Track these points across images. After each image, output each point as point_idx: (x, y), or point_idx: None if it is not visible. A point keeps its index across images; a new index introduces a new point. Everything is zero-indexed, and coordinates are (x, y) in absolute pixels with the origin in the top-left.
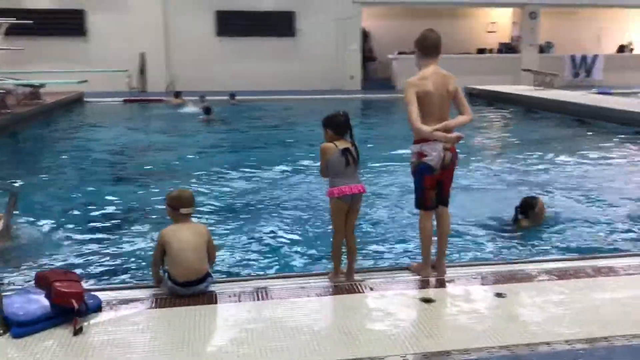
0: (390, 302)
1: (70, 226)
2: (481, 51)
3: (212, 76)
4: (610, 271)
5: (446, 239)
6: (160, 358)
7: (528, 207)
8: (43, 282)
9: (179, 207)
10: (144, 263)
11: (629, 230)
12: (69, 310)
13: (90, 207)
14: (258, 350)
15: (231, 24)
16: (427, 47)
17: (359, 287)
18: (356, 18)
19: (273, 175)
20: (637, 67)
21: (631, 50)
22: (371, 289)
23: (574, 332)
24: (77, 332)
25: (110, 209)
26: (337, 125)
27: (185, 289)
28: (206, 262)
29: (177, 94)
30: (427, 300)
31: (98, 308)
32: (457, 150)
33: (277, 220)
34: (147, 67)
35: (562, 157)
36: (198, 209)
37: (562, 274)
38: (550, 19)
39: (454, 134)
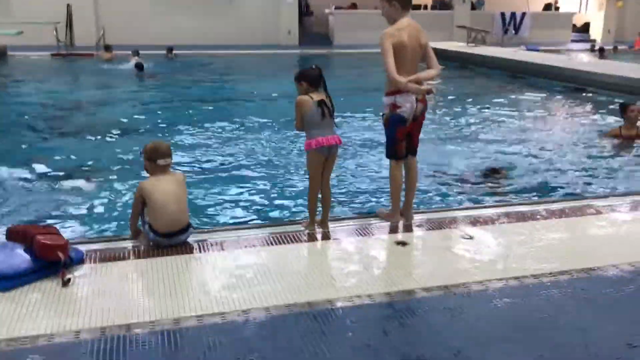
0: (369, 246)
1: (26, 180)
2: (416, 7)
3: (146, 30)
4: (562, 213)
5: (415, 187)
6: (154, 306)
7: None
8: (22, 236)
9: (157, 158)
10: (115, 216)
11: (568, 174)
12: (53, 263)
13: (39, 163)
14: (251, 295)
15: None
16: (401, 1)
17: (335, 234)
18: None
19: (227, 131)
20: (561, 24)
21: (557, 8)
22: (347, 235)
23: (540, 267)
24: (66, 283)
25: (62, 164)
26: (312, 78)
27: (168, 239)
28: (187, 212)
29: (108, 48)
30: (401, 243)
31: (81, 260)
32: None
33: (247, 173)
34: (74, 19)
35: (501, 110)
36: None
37: (520, 217)
38: None
39: (426, 86)
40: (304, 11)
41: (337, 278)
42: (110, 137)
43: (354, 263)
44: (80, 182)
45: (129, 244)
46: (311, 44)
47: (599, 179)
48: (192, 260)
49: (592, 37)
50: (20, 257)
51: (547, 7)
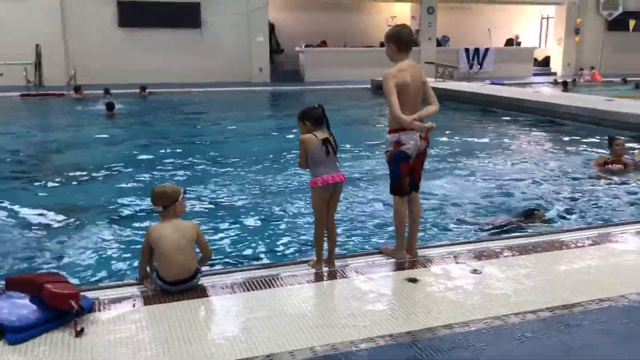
0: (379, 284)
1: (6, 227)
2: (382, 45)
3: (117, 69)
4: (563, 245)
5: (418, 222)
6: (172, 353)
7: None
8: (27, 285)
9: (162, 203)
10: (109, 260)
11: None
12: (64, 312)
13: (19, 207)
14: (266, 338)
15: (134, 15)
16: (402, 43)
17: (344, 272)
18: (263, 9)
19: (214, 169)
20: (524, 59)
21: (518, 43)
22: (357, 272)
23: (550, 300)
24: (79, 333)
25: (42, 207)
26: (315, 117)
27: (175, 287)
28: (194, 259)
29: (77, 89)
30: (412, 280)
31: (90, 309)
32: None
33: (241, 212)
34: (43, 59)
35: (485, 143)
36: (138, 207)
37: (523, 250)
38: (445, 14)
39: (429, 123)
40: (275, 49)
41: (357, 317)
42: (88, 178)
43: (369, 302)
44: (64, 226)
45: (137, 290)
46: (282, 80)
47: (596, 208)
48: (204, 305)
49: (552, 70)
50: (28, 308)
51: (509, 42)
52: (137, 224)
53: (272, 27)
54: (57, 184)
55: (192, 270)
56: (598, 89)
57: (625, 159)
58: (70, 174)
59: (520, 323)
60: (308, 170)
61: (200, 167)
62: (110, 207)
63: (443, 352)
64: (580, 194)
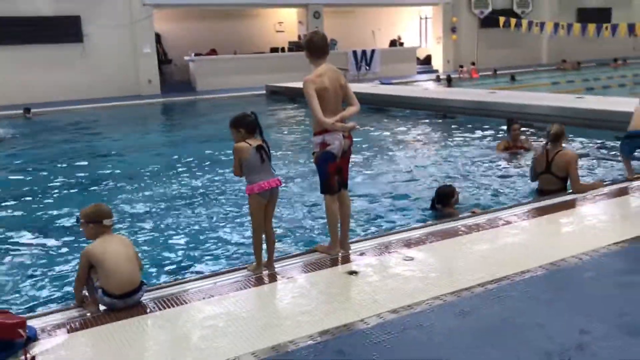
0: (323, 279)
1: None
2: (274, 50)
3: None
4: (479, 227)
5: (349, 218)
6: None
7: (447, 196)
8: None
9: (102, 219)
10: (47, 287)
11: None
12: (9, 343)
13: None
14: (226, 343)
15: (8, 31)
16: (315, 49)
17: (285, 272)
18: (148, 20)
19: (120, 185)
20: (407, 58)
21: (401, 44)
22: (298, 272)
23: (479, 277)
24: None
25: None
26: (248, 124)
27: (123, 301)
28: (138, 271)
29: None
30: (353, 273)
31: (35, 337)
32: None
33: (165, 225)
34: None
35: (388, 140)
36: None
37: (445, 234)
38: (332, 19)
39: (351, 123)
40: (162, 59)
41: (307, 313)
42: None
43: (315, 298)
44: None
45: (76, 313)
46: (173, 91)
47: (501, 191)
48: (152, 319)
49: (434, 68)
50: None
51: (393, 43)
52: (45, 250)
53: (157, 38)
54: None
55: (138, 282)
56: (477, 83)
57: (522, 142)
58: None
59: (458, 300)
60: (243, 177)
61: (106, 184)
62: (16, 235)
63: (396, 334)
64: (489, 178)
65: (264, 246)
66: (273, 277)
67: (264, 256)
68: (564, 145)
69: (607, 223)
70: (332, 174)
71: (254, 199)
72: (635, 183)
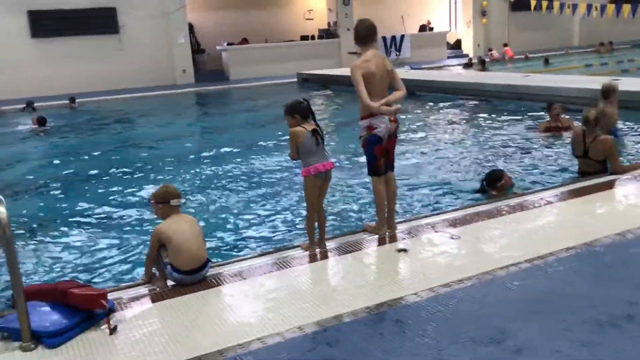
0: (373, 257)
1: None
2: (304, 38)
3: (34, 82)
4: (522, 206)
5: (395, 199)
6: (205, 338)
7: (495, 180)
8: (48, 294)
9: (170, 199)
10: (109, 266)
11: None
12: (91, 313)
13: None
14: (292, 313)
15: (47, 24)
16: (363, 37)
17: (336, 251)
18: (181, 11)
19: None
20: (437, 43)
21: (431, 29)
22: (346, 251)
23: (525, 253)
24: (113, 331)
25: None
26: (303, 110)
27: (191, 277)
28: (205, 248)
29: None
30: (402, 250)
31: (113, 308)
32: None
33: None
34: None
35: (430, 126)
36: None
37: (489, 214)
38: (361, 5)
39: (395, 106)
40: (196, 49)
41: (369, 287)
42: (56, 192)
43: (372, 273)
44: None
45: (146, 290)
46: (207, 81)
47: (544, 172)
48: (219, 292)
49: (465, 52)
50: (56, 314)
51: (422, 28)
52: (114, 231)
53: (190, 28)
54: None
55: (204, 258)
56: (509, 67)
57: (563, 122)
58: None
59: (506, 275)
60: (299, 160)
61: (161, 170)
62: (81, 216)
63: (450, 306)
64: (531, 159)
65: (316, 225)
66: (325, 255)
67: (316, 236)
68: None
69: None
70: (379, 156)
71: (310, 180)
72: None
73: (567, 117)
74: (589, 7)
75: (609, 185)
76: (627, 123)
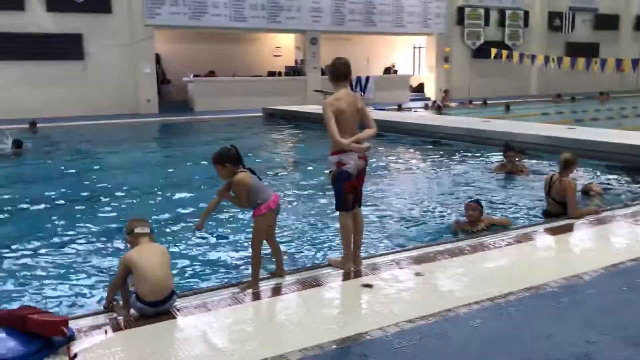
0: (339, 291)
1: None
2: (271, 74)
3: None
4: (484, 246)
5: (362, 234)
6: None
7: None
8: (6, 319)
9: (134, 227)
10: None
11: None
12: (52, 341)
13: None
14: (255, 346)
15: (10, 48)
16: (337, 75)
17: (302, 284)
18: (149, 41)
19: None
20: (400, 86)
21: (395, 71)
22: (309, 285)
23: (488, 292)
24: (73, 358)
25: None
26: (234, 157)
27: (154, 309)
28: (172, 279)
29: None
30: (367, 286)
31: (74, 336)
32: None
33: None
34: None
35: (391, 164)
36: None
37: (452, 253)
38: (328, 45)
39: (365, 145)
40: (162, 80)
41: (331, 321)
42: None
43: (337, 307)
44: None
45: (107, 318)
46: (171, 111)
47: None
48: (182, 323)
49: (427, 95)
50: (16, 340)
51: (387, 70)
52: (79, 257)
53: (157, 58)
54: None
55: (170, 289)
56: (475, 111)
57: (518, 167)
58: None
59: (469, 312)
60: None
61: (116, 198)
62: (51, 240)
63: (414, 342)
64: (491, 198)
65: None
66: (291, 288)
67: (263, 271)
68: (571, 175)
69: (603, 244)
70: (348, 192)
71: (261, 219)
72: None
73: (525, 161)
74: (547, 58)
75: (566, 228)
76: (585, 170)
